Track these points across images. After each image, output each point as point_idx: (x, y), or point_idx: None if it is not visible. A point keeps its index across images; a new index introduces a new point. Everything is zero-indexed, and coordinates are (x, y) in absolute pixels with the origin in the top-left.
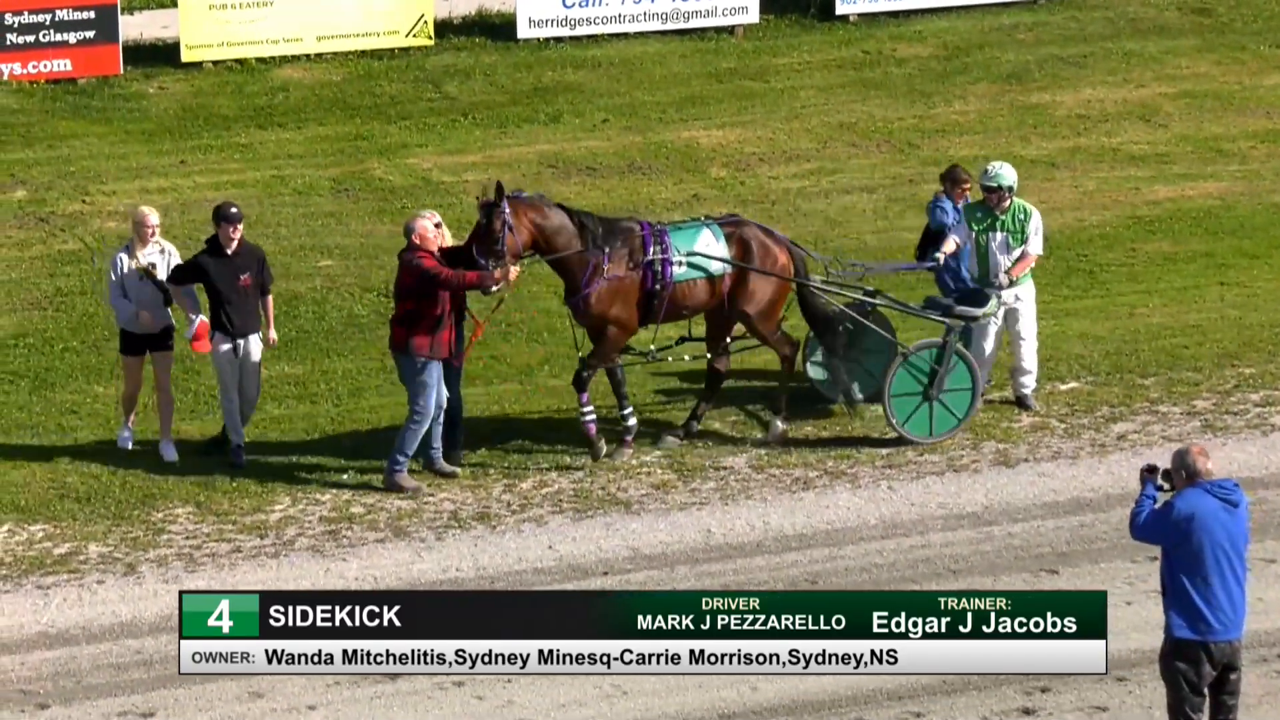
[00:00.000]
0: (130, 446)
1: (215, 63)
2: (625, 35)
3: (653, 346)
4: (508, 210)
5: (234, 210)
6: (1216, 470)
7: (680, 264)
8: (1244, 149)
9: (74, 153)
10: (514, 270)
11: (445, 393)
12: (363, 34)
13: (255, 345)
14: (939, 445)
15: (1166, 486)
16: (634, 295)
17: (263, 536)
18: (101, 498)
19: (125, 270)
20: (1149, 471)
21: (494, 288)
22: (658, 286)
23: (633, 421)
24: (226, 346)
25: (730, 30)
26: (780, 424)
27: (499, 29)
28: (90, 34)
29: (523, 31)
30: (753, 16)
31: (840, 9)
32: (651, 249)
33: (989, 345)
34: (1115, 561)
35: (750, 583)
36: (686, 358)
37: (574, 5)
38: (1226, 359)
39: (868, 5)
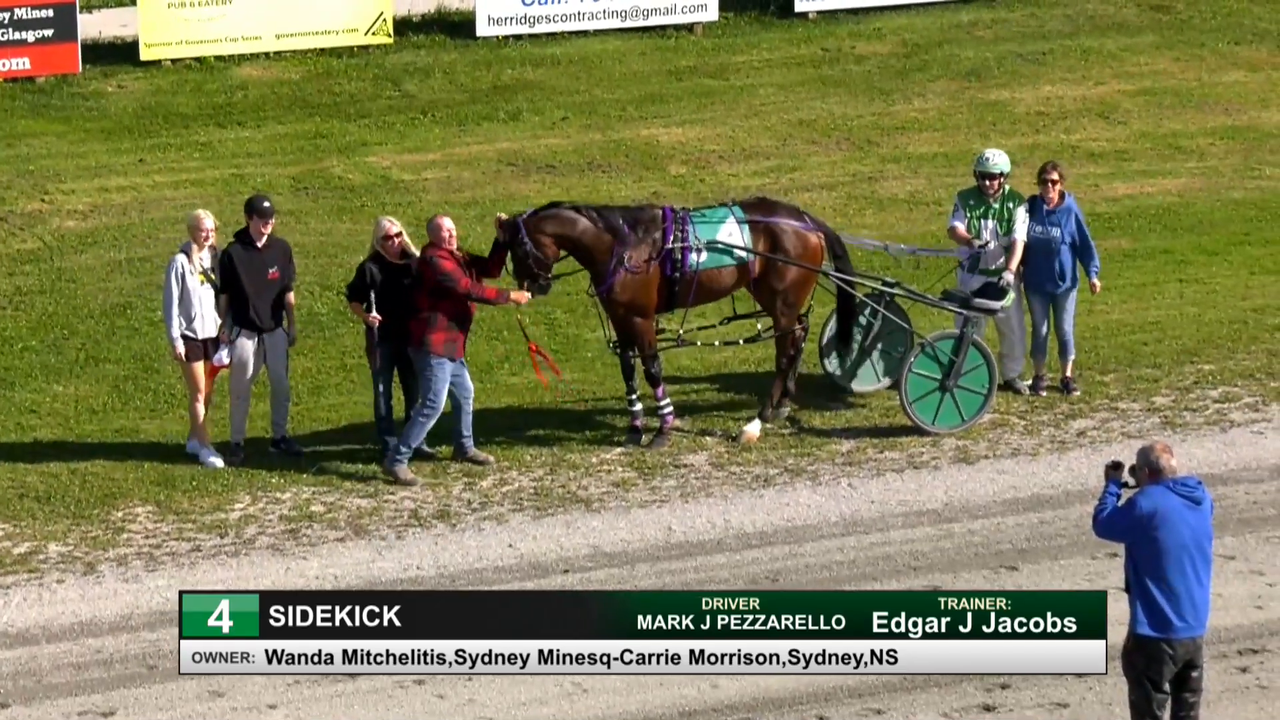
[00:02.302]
0: (220, 463)
1: (174, 61)
2: (584, 33)
3: (680, 332)
4: (526, 238)
5: (266, 204)
6: (1179, 467)
7: (700, 252)
8: (1202, 146)
9: (33, 151)
10: (525, 295)
11: (469, 384)
12: (322, 32)
13: (281, 339)
14: (898, 443)
15: (1131, 483)
16: (654, 283)
17: (223, 535)
18: (61, 497)
19: (186, 274)
20: (1114, 468)
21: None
22: (676, 274)
23: (639, 406)
24: (252, 343)
25: (689, 28)
26: (755, 428)
27: (458, 27)
28: (49, 32)
29: (482, 29)
30: (712, 14)
31: (800, 6)
32: (672, 237)
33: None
34: (1075, 558)
35: (711, 580)
36: (716, 342)
37: (533, 3)
38: (1186, 355)
39: (827, 3)
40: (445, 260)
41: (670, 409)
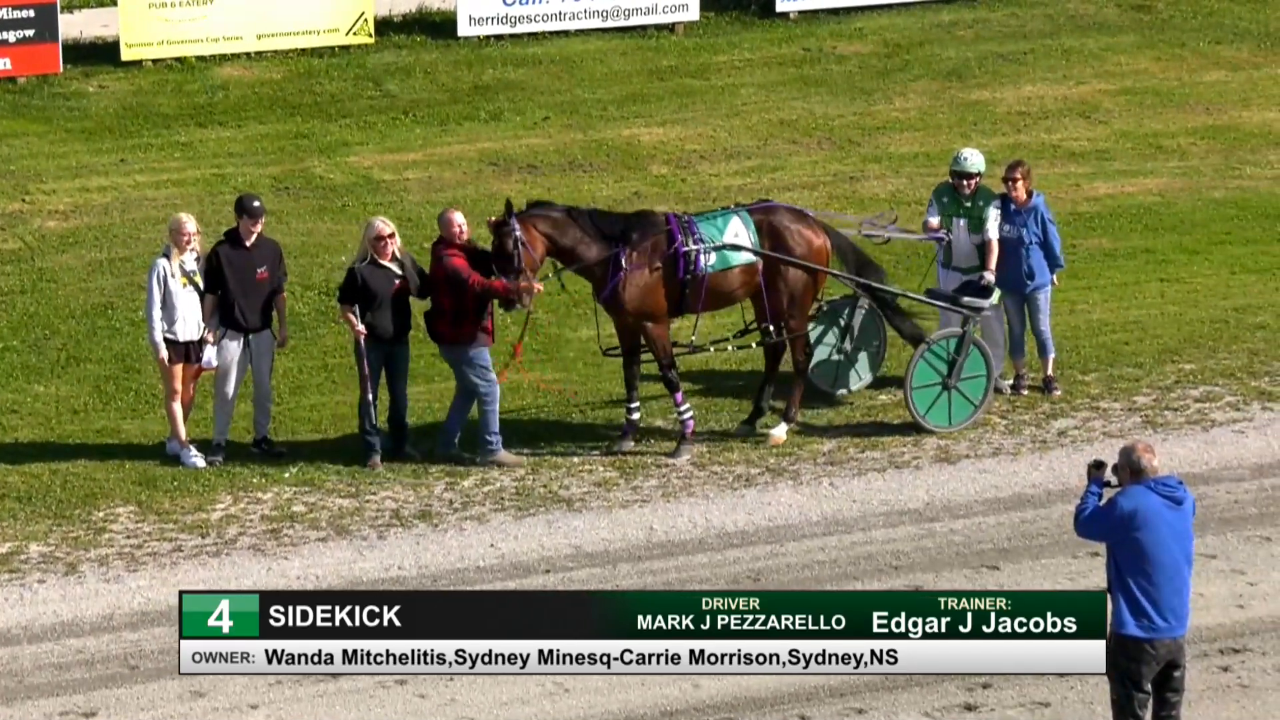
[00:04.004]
0: (201, 463)
1: (155, 61)
2: (566, 33)
3: (693, 338)
4: (518, 228)
5: (256, 204)
6: (1160, 467)
7: (709, 254)
8: (1183, 145)
9: (13, 152)
10: (537, 285)
11: (468, 380)
12: (303, 32)
13: (267, 341)
14: (879, 442)
15: (1114, 482)
16: (659, 287)
17: (204, 535)
18: (42, 497)
19: (168, 278)
20: (1096, 467)
21: (518, 306)
22: (688, 277)
23: (635, 416)
24: (236, 344)
25: (671, 28)
26: (783, 430)
27: (439, 27)
28: (30, 32)
29: (463, 29)
30: (693, 14)
31: (781, 6)
32: (680, 239)
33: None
34: (1057, 558)
35: (692, 580)
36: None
37: (514, 3)
38: (1167, 355)
39: (808, 2)
40: (455, 258)
41: (691, 415)
